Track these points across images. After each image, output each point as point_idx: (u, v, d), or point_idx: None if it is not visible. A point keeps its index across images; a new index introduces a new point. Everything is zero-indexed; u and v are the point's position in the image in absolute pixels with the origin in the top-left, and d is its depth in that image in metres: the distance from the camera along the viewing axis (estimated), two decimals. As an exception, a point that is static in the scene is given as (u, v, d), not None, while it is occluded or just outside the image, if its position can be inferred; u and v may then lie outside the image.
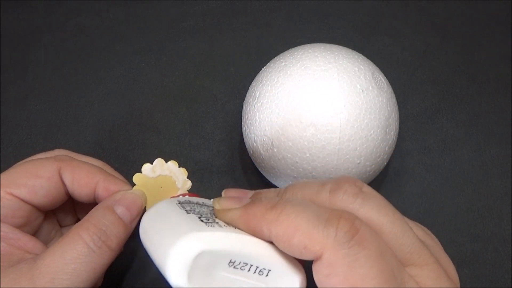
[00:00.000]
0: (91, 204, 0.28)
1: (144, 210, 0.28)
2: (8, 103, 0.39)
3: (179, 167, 0.29)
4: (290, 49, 0.32)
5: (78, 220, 0.31)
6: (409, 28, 0.41)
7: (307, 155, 0.28)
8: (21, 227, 0.27)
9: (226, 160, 0.37)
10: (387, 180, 0.36)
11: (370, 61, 0.31)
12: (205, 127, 0.38)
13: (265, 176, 0.32)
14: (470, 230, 0.35)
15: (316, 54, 0.29)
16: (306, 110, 0.28)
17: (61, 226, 0.30)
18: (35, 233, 0.28)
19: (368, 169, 0.29)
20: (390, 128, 0.30)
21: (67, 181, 0.27)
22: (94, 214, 0.26)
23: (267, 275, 0.21)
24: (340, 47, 0.31)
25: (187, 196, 0.27)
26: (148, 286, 0.32)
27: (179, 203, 0.24)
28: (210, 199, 0.29)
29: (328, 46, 0.31)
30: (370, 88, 0.29)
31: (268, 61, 0.32)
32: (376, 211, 0.21)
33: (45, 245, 0.26)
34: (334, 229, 0.19)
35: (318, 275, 0.20)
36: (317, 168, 0.28)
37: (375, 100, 0.29)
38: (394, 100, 0.31)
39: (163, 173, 0.29)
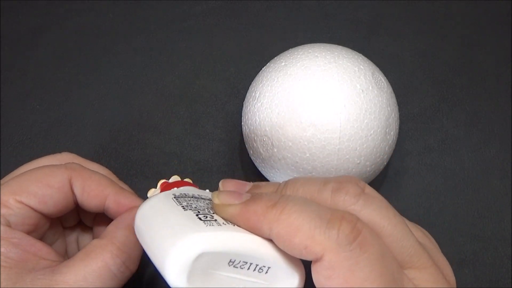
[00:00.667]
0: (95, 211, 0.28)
1: None
2: (8, 103, 0.39)
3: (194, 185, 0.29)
4: (290, 49, 0.32)
5: (80, 221, 0.31)
6: (409, 28, 0.41)
7: (307, 155, 0.28)
8: (29, 233, 0.26)
9: (226, 160, 0.37)
10: (387, 180, 0.36)
11: (370, 61, 0.31)
12: (205, 127, 0.38)
13: (265, 176, 0.32)
14: (470, 230, 0.35)
15: (316, 54, 0.29)
16: (306, 110, 0.28)
17: (63, 227, 0.30)
18: (41, 238, 0.28)
19: (368, 169, 0.29)
20: (390, 128, 0.30)
21: (77, 191, 0.27)
22: (116, 235, 0.25)
23: (266, 272, 0.21)
24: (340, 47, 0.31)
25: (182, 188, 0.27)
26: (147, 284, 0.32)
27: (174, 197, 0.24)
28: (205, 189, 0.29)
29: (328, 46, 0.31)
30: (370, 88, 0.29)
31: (268, 61, 0.32)
32: (378, 213, 0.21)
33: (57, 252, 0.26)
34: (336, 231, 0.19)
35: (317, 276, 0.20)
36: (317, 168, 0.28)
37: (375, 100, 0.29)
38: (394, 100, 0.31)
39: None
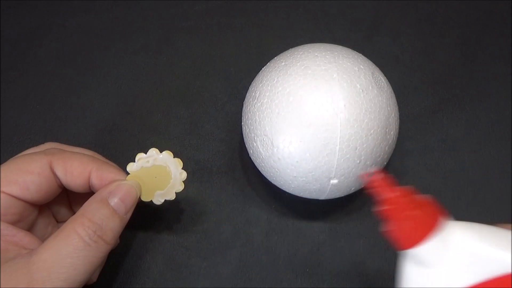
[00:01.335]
0: (86, 197, 0.28)
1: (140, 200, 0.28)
2: (8, 103, 0.39)
3: (174, 157, 0.29)
4: (290, 49, 0.32)
5: (74, 213, 0.31)
6: (409, 28, 0.41)
7: (307, 155, 0.28)
8: (15, 223, 0.27)
9: (226, 160, 0.37)
10: (387, 180, 0.36)
11: (370, 61, 0.31)
12: (205, 127, 0.38)
13: (265, 176, 0.32)
14: (470, 230, 0.35)
15: (316, 54, 0.29)
16: (306, 110, 0.28)
17: (57, 221, 0.30)
18: (30, 229, 0.28)
19: (368, 168, 0.29)
20: (390, 128, 0.30)
21: (60, 173, 0.27)
22: (88, 208, 0.26)
23: None
24: (340, 47, 0.31)
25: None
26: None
27: None
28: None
29: (328, 46, 0.31)
30: (370, 88, 0.29)
31: (268, 61, 0.32)
32: None
33: (41, 241, 0.27)
34: None
35: None
36: (317, 168, 0.28)
37: (375, 100, 0.28)
38: (394, 100, 0.31)
39: (157, 163, 0.29)
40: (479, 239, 0.21)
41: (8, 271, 0.24)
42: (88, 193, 0.28)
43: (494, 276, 0.20)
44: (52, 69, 0.40)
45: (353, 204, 0.35)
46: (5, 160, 0.37)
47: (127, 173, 0.29)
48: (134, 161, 0.29)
